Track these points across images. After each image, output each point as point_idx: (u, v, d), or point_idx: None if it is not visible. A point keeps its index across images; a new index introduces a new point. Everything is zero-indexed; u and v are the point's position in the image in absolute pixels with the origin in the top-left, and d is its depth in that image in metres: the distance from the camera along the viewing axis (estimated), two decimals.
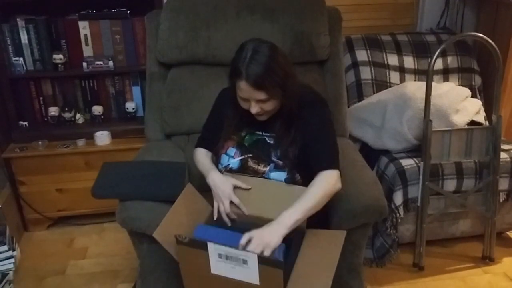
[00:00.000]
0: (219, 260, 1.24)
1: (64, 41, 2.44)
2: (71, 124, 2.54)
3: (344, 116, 2.06)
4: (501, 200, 2.19)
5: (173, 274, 1.43)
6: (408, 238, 2.22)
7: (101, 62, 2.43)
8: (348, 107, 2.23)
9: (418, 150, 2.15)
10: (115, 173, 1.69)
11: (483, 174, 2.14)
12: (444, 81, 2.48)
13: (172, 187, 1.57)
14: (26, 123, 2.51)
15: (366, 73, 2.44)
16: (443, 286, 2.09)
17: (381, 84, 2.44)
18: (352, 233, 1.54)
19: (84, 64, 2.43)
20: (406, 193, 2.09)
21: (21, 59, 2.39)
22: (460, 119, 2.18)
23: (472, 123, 2.23)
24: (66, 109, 2.51)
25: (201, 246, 1.24)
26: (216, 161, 1.62)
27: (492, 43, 2.02)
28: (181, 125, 2.02)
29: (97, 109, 2.54)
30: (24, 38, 2.38)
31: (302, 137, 1.49)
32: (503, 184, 2.17)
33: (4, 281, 2.04)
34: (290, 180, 1.48)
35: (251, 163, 1.53)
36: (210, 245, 1.23)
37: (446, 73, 2.51)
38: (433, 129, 2.04)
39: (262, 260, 1.20)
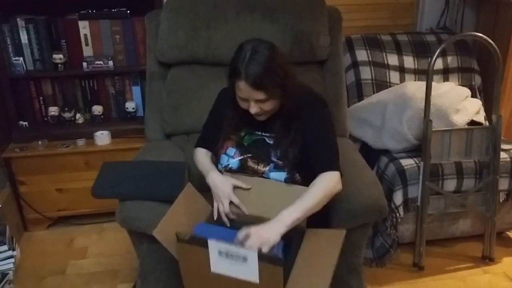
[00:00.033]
0: (219, 257, 1.24)
1: (64, 41, 2.44)
2: (71, 124, 2.54)
3: (344, 116, 2.06)
4: (501, 200, 2.19)
5: (173, 274, 1.42)
6: (408, 238, 2.22)
7: (101, 62, 2.43)
8: (348, 107, 2.23)
9: (418, 150, 2.15)
10: (115, 173, 1.69)
11: (483, 174, 2.14)
12: (444, 81, 2.48)
13: (172, 187, 1.57)
14: (26, 123, 2.51)
15: (366, 73, 2.44)
16: (443, 286, 2.09)
17: (381, 84, 2.44)
18: (352, 233, 1.54)
19: (84, 64, 2.43)
20: (406, 193, 2.09)
21: (21, 59, 2.39)
22: (460, 119, 2.17)
23: (472, 123, 2.23)
24: (66, 109, 2.51)
25: (201, 243, 1.24)
26: (215, 161, 1.62)
27: (492, 43, 2.02)
28: (181, 125, 2.02)
29: (97, 109, 2.54)
30: (24, 38, 2.38)
31: (302, 138, 1.49)
32: (503, 184, 2.17)
33: (4, 281, 2.04)
34: (290, 180, 1.48)
35: (250, 163, 1.53)
36: (211, 242, 1.23)
37: (446, 73, 2.51)
38: (433, 129, 2.04)
39: (262, 257, 1.20)
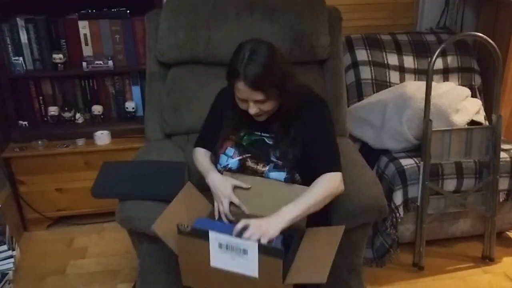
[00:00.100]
0: (219, 250, 1.24)
1: (63, 40, 2.44)
2: (71, 123, 2.54)
3: (344, 116, 2.06)
4: (501, 200, 2.19)
5: (173, 273, 1.42)
6: (408, 238, 2.22)
7: (101, 62, 2.43)
8: (348, 107, 2.23)
9: (418, 150, 2.15)
10: (115, 173, 1.69)
11: (483, 173, 2.14)
12: (444, 81, 2.48)
13: (172, 187, 1.57)
14: (25, 122, 2.51)
15: (366, 72, 2.44)
16: (443, 286, 2.09)
17: (381, 84, 2.44)
18: (352, 232, 1.54)
19: (84, 64, 2.42)
20: (406, 193, 2.09)
21: (21, 58, 2.39)
22: (460, 119, 2.17)
23: (472, 122, 2.23)
24: (66, 108, 2.51)
25: (202, 236, 1.24)
26: (214, 161, 1.62)
27: (492, 43, 2.02)
28: (181, 125, 2.02)
29: (97, 109, 2.54)
30: (23, 37, 2.38)
31: (302, 138, 1.49)
32: (503, 184, 2.17)
33: (4, 280, 2.03)
34: (289, 180, 1.48)
35: (250, 163, 1.53)
36: (212, 234, 1.23)
37: (446, 73, 2.51)
38: (433, 129, 2.04)
39: (262, 249, 1.20)
